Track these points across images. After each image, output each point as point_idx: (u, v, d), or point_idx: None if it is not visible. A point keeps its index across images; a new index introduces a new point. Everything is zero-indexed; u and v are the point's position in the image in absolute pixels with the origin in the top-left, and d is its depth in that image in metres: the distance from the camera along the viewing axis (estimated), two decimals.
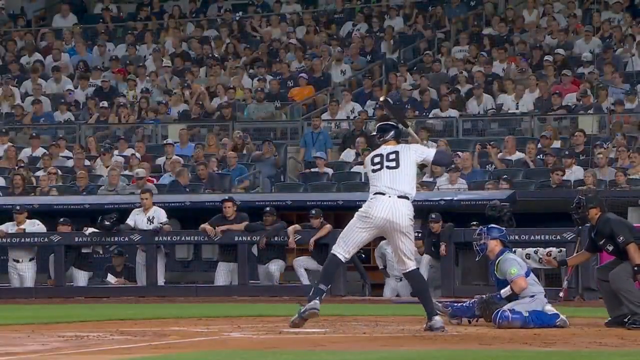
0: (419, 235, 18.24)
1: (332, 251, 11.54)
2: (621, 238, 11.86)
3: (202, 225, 18.87)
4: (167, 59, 26.10)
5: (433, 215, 18.55)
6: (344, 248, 11.48)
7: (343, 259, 11.53)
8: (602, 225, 12.08)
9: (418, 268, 11.92)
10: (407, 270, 11.49)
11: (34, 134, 23.67)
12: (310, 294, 11.33)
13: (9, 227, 19.41)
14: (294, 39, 26.52)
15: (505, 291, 12.04)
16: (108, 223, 18.92)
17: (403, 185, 11.36)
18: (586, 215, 12.18)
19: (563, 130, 22.46)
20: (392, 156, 11.50)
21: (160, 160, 22.59)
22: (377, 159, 11.54)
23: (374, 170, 11.48)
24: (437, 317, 11.46)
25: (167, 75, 25.57)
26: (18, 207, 19.50)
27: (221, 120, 24.05)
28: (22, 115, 24.82)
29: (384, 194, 11.33)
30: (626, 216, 17.86)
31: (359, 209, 11.47)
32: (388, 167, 11.44)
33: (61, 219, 19.54)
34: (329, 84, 24.93)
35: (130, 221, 19.11)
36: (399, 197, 11.30)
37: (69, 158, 23.08)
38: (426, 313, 11.49)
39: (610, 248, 12.07)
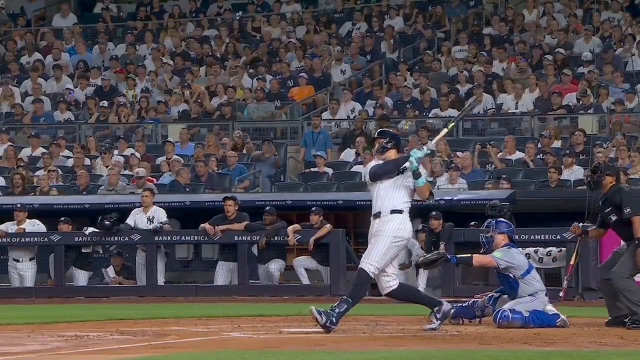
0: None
1: (366, 268, 11.21)
2: (628, 210, 11.88)
3: (202, 225, 18.87)
4: (167, 58, 26.08)
5: (433, 213, 18.57)
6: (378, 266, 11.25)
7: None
8: (612, 193, 12.11)
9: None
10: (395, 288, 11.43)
11: (33, 134, 23.67)
12: (339, 309, 11.12)
13: (8, 227, 19.41)
14: (294, 39, 26.52)
15: (465, 256, 12.16)
16: (108, 223, 18.91)
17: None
18: (601, 181, 12.18)
19: (563, 130, 22.46)
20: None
21: (160, 160, 22.58)
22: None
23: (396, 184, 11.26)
24: (444, 302, 11.50)
25: (167, 75, 25.57)
26: (19, 205, 19.51)
27: (221, 119, 24.05)
28: (22, 114, 24.81)
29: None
30: None
31: (401, 236, 11.20)
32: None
33: (62, 218, 19.53)
34: (329, 83, 24.92)
35: (130, 221, 19.11)
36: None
37: (68, 158, 23.08)
38: (431, 307, 11.49)
39: (614, 218, 12.08)
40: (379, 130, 11.96)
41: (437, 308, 11.47)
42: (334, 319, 11.11)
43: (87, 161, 22.66)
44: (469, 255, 12.29)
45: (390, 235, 11.22)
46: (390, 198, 11.27)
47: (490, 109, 23.20)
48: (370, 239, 11.38)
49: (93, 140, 23.31)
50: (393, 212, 11.25)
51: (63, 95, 25.49)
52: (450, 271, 18.03)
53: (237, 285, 18.92)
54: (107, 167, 22.09)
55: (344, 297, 11.27)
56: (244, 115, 24.30)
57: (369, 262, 11.23)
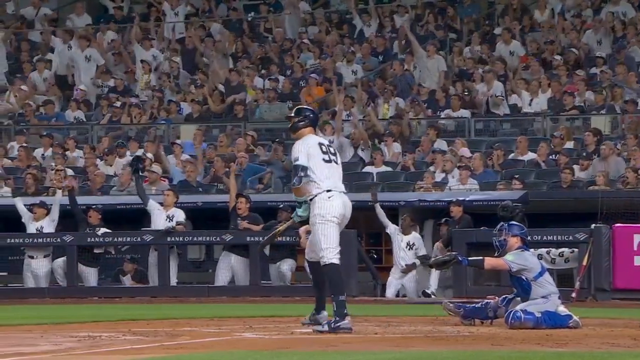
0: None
1: (332, 261, 11.22)
2: None
3: (243, 223, 18.68)
4: (178, 56, 26.01)
5: (453, 199, 18.52)
6: (336, 251, 11.27)
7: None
8: None
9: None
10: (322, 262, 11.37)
11: (44, 134, 23.71)
12: (339, 308, 11.08)
13: (28, 222, 19.53)
14: (306, 39, 26.51)
15: (476, 258, 12.11)
16: (137, 163, 18.99)
17: (341, 183, 11.39)
18: None
19: (575, 131, 22.41)
20: (332, 150, 11.40)
21: (172, 160, 22.60)
22: (324, 148, 11.30)
23: (325, 160, 11.21)
24: (325, 313, 11.44)
25: (176, 73, 25.54)
26: (39, 202, 19.56)
27: (234, 120, 24.05)
28: (31, 114, 24.84)
29: (338, 191, 11.23)
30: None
31: (327, 213, 11.11)
32: (335, 162, 11.32)
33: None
34: (341, 84, 24.89)
35: (152, 213, 19.01)
36: (345, 192, 11.37)
37: (81, 158, 23.13)
38: (317, 304, 11.50)
39: None
40: (295, 109, 11.75)
41: (318, 313, 11.45)
42: (332, 322, 11.09)
43: (99, 161, 22.71)
44: (481, 258, 12.27)
45: (317, 216, 11.17)
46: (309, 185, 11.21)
47: (499, 95, 23.02)
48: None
49: (108, 141, 23.36)
50: (312, 197, 11.20)
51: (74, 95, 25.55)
52: (463, 272, 18.01)
53: (249, 285, 18.94)
54: (110, 166, 22.12)
55: (332, 296, 11.21)
56: (256, 115, 24.30)
57: (324, 253, 11.20)
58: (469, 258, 12.58)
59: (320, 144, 11.32)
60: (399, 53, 25.36)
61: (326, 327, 11.09)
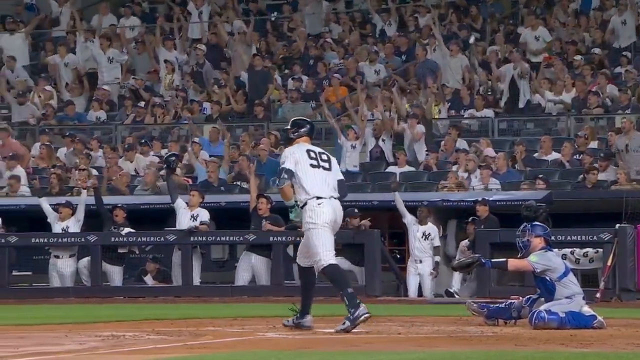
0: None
1: (330, 262, 11.35)
2: None
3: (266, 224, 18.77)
4: (201, 53, 25.99)
5: (479, 199, 18.56)
6: (332, 254, 11.40)
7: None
8: None
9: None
10: (309, 266, 11.49)
11: (67, 134, 23.79)
12: (350, 301, 11.16)
13: (54, 222, 19.63)
14: (329, 38, 26.49)
15: (500, 260, 12.10)
16: (172, 160, 19.08)
17: (335, 189, 11.44)
18: None
19: (599, 130, 22.30)
20: (324, 157, 11.53)
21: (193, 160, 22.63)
22: (312, 154, 11.45)
23: (312, 166, 11.35)
24: (310, 316, 11.45)
25: (202, 61, 25.56)
26: (64, 202, 19.67)
27: (254, 120, 24.06)
28: (52, 114, 24.91)
29: (327, 197, 11.31)
30: None
31: (318, 220, 11.24)
32: (324, 168, 11.42)
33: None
34: (363, 83, 24.85)
35: (177, 211, 19.06)
36: (335, 198, 11.42)
37: (100, 157, 23.23)
38: (302, 308, 11.52)
39: None
40: (291, 122, 11.93)
41: (302, 317, 11.44)
42: (350, 315, 11.13)
43: (121, 161, 22.77)
44: (504, 259, 12.23)
45: (309, 224, 11.31)
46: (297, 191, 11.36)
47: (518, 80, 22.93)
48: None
49: (132, 141, 23.43)
50: (304, 204, 11.34)
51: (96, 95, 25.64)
52: (486, 272, 17.97)
53: (272, 285, 18.95)
54: (130, 162, 22.13)
55: (340, 293, 11.29)
56: (279, 115, 24.31)
57: (321, 257, 11.29)
58: (492, 260, 12.53)
59: (309, 151, 11.49)
60: (421, 40, 25.28)
61: (348, 323, 11.16)
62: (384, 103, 22.64)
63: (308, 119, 12.33)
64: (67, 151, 23.46)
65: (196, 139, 22.94)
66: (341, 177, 11.63)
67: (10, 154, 22.40)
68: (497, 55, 24.10)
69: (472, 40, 24.87)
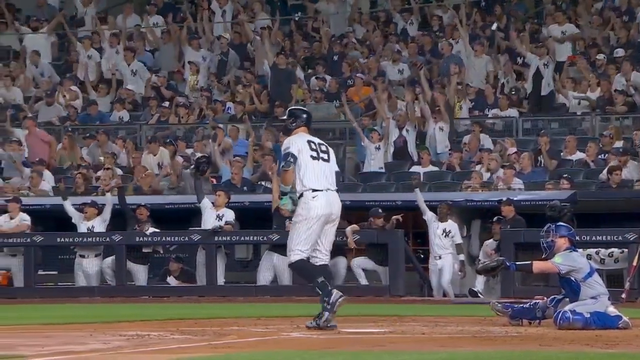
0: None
1: (295, 259, 11.39)
2: None
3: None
4: (225, 42, 25.99)
5: (504, 199, 18.65)
6: (305, 249, 11.42)
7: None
8: None
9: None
10: (322, 264, 11.46)
11: (87, 135, 23.88)
12: (322, 290, 11.24)
13: (79, 222, 19.73)
14: (353, 38, 26.47)
15: (524, 263, 12.06)
16: (203, 163, 19.16)
17: (333, 181, 11.46)
18: None
19: (625, 130, 22.19)
20: (324, 148, 11.54)
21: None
22: (313, 145, 11.47)
23: (312, 157, 11.38)
24: (327, 314, 11.36)
25: (226, 50, 25.58)
26: (90, 202, 19.75)
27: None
28: (75, 115, 24.98)
29: (323, 190, 11.33)
30: None
31: (308, 213, 11.27)
32: (323, 160, 11.44)
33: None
34: (385, 83, 24.81)
35: (203, 211, 19.13)
36: (332, 190, 11.44)
37: (122, 154, 23.33)
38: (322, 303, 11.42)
39: None
40: (288, 111, 12.00)
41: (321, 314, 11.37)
42: (326, 305, 11.19)
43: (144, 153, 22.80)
44: (529, 262, 12.18)
45: (298, 215, 11.37)
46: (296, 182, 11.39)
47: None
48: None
49: (155, 133, 23.51)
50: (300, 195, 11.36)
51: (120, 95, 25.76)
52: (510, 272, 17.91)
53: (296, 285, 18.96)
54: (154, 155, 22.18)
55: (311, 286, 11.40)
56: None
57: (291, 252, 11.36)
58: (517, 263, 12.48)
59: (310, 142, 11.50)
60: (446, 38, 25.23)
61: (326, 313, 11.24)
62: (411, 96, 22.56)
63: (305, 108, 12.38)
64: (90, 145, 23.56)
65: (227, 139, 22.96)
66: (337, 169, 11.73)
67: (38, 159, 22.51)
68: (521, 42, 23.95)
69: (494, 27, 24.75)
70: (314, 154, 11.41)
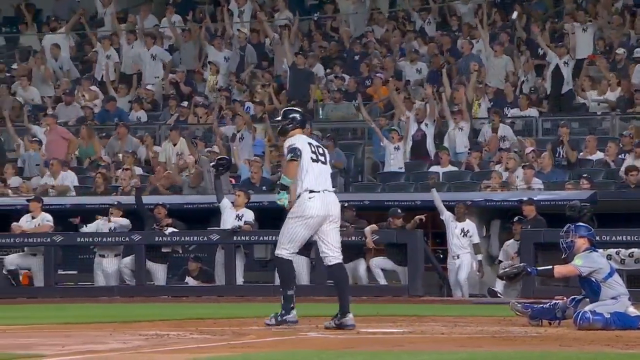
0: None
1: (283, 255, 11.62)
2: None
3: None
4: (243, 36, 26.02)
5: (525, 198, 18.64)
6: (290, 250, 11.61)
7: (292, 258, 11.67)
8: None
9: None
10: (335, 262, 11.57)
11: (103, 135, 23.93)
12: (285, 302, 11.50)
13: (99, 225, 19.77)
14: (372, 38, 26.44)
15: (545, 268, 12.02)
16: (222, 164, 19.21)
17: (330, 183, 11.60)
18: None
19: None
20: (321, 150, 11.65)
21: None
22: (312, 148, 11.58)
23: (312, 160, 11.49)
24: (351, 315, 11.43)
25: (244, 44, 25.61)
26: (116, 203, 19.81)
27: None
28: (91, 116, 25.02)
29: (321, 191, 11.43)
30: None
31: (302, 213, 11.41)
32: (322, 162, 11.56)
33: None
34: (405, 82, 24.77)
35: (223, 211, 19.16)
36: (330, 191, 11.55)
37: (140, 146, 23.39)
38: (341, 307, 11.49)
39: None
40: (282, 112, 12.07)
41: (343, 316, 11.42)
42: (279, 316, 11.45)
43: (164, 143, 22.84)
44: (550, 267, 12.12)
45: (292, 213, 11.53)
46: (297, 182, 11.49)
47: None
48: None
49: (174, 123, 23.56)
50: (298, 195, 11.48)
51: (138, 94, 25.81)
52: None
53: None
54: (174, 144, 22.14)
55: (280, 290, 11.67)
56: (321, 116, 24.29)
57: (281, 247, 11.59)
58: (538, 268, 12.41)
59: (310, 144, 11.61)
60: (464, 36, 25.16)
61: (273, 321, 11.52)
62: (431, 90, 22.48)
63: (298, 109, 12.49)
64: (110, 138, 23.61)
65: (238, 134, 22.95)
66: (331, 170, 11.87)
67: (60, 159, 22.59)
68: (542, 34, 23.85)
69: (514, 15, 24.65)
70: (314, 156, 11.55)
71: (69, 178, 22.30)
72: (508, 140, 22.01)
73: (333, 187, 11.68)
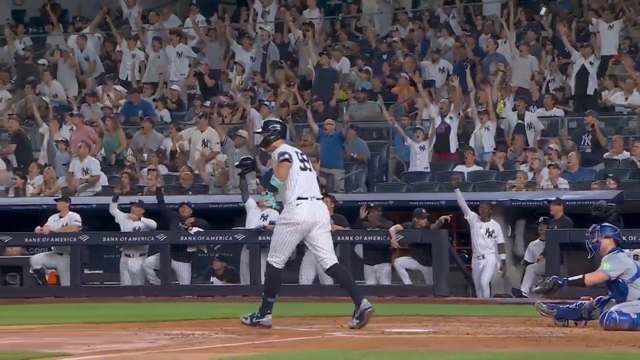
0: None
1: (273, 264, 11.82)
2: None
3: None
4: (266, 34, 26.03)
5: (551, 198, 18.63)
6: (281, 258, 11.79)
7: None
8: None
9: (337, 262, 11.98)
10: (332, 264, 11.75)
11: (126, 133, 24.00)
12: (263, 308, 11.75)
13: (124, 222, 19.85)
14: (397, 38, 26.39)
15: (576, 278, 11.97)
16: (247, 164, 19.32)
17: (318, 190, 11.84)
18: None
19: None
20: (306, 157, 11.91)
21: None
22: (299, 157, 11.80)
23: (301, 168, 11.70)
24: (364, 300, 11.57)
25: (267, 43, 25.63)
26: (138, 201, 19.90)
27: (316, 115, 23.93)
28: (111, 114, 25.05)
29: (309, 198, 11.63)
30: None
31: (290, 219, 11.59)
32: (309, 170, 11.79)
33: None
34: (431, 84, 24.70)
35: (248, 211, 19.19)
36: (318, 198, 11.77)
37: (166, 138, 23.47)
38: (355, 300, 11.62)
39: None
40: (263, 123, 12.27)
41: (358, 306, 11.56)
42: (254, 317, 11.70)
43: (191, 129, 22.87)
44: (581, 276, 12.06)
45: (281, 219, 11.80)
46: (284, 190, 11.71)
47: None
48: None
49: (205, 110, 23.51)
50: (289, 202, 11.70)
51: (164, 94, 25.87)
52: (555, 273, 17.76)
53: (337, 285, 18.90)
54: (202, 131, 22.19)
55: (262, 295, 11.91)
56: (345, 116, 24.23)
57: (272, 254, 11.80)
58: (569, 278, 12.34)
59: (297, 152, 11.87)
60: (484, 32, 25.06)
61: (248, 321, 11.77)
62: (456, 82, 22.41)
63: (278, 120, 12.70)
64: (135, 134, 23.64)
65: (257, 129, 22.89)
66: (316, 175, 12.19)
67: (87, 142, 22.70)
68: (570, 32, 23.75)
69: (543, 12, 24.51)
70: (302, 164, 11.78)
71: (95, 165, 22.37)
72: (534, 128, 21.85)
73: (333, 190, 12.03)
